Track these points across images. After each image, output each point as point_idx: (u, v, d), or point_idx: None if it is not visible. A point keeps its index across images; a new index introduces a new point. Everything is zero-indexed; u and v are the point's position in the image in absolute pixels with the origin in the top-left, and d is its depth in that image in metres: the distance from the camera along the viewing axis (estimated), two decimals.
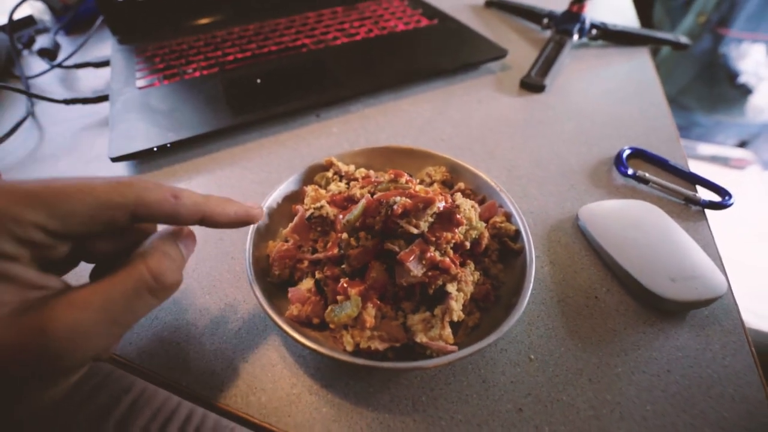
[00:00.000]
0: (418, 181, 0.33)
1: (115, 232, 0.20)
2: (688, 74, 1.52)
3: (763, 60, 1.37)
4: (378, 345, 0.25)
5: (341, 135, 0.46)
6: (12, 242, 0.16)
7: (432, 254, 0.25)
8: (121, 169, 0.42)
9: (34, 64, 0.59)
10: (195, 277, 0.33)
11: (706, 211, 0.36)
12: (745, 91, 1.43)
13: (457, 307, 0.25)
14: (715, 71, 1.47)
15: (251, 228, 0.30)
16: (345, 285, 0.26)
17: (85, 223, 0.17)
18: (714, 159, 1.67)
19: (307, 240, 0.30)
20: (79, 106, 0.49)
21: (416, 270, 0.25)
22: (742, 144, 1.65)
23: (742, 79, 1.41)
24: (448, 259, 0.26)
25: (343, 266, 0.27)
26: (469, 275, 0.27)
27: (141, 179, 0.19)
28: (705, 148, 1.70)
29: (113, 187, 0.18)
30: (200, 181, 0.41)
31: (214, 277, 0.33)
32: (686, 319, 0.29)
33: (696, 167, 0.36)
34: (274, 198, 0.33)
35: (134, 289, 0.18)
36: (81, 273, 0.21)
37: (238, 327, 0.29)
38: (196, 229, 0.23)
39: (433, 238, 0.26)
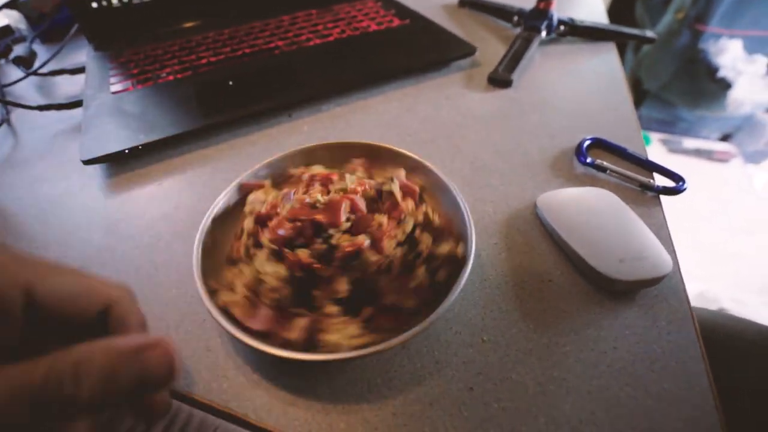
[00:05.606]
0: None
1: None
2: (670, 70, 1.54)
3: (740, 55, 1.39)
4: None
5: (311, 133, 0.47)
6: None
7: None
8: (94, 172, 0.43)
9: (11, 73, 0.59)
10: (163, 271, 0.33)
11: (662, 196, 0.38)
12: (725, 85, 1.45)
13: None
14: (695, 66, 1.49)
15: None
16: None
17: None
18: (698, 153, 1.69)
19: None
20: (53, 112, 0.50)
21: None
22: (725, 137, 1.67)
23: (722, 73, 1.44)
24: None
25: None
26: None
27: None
28: (690, 143, 1.73)
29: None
30: (172, 182, 0.42)
31: (181, 271, 0.33)
32: (636, 299, 0.30)
33: (680, 161, 0.38)
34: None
35: None
36: None
37: (202, 318, 0.30)
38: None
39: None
